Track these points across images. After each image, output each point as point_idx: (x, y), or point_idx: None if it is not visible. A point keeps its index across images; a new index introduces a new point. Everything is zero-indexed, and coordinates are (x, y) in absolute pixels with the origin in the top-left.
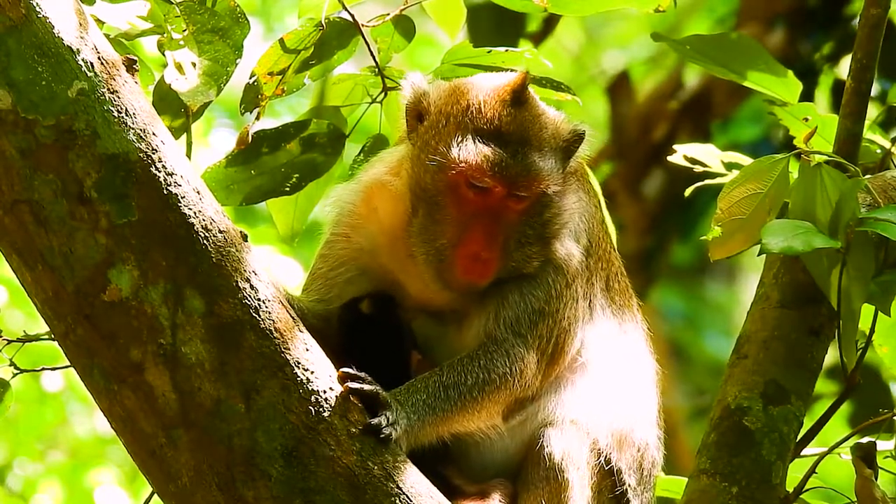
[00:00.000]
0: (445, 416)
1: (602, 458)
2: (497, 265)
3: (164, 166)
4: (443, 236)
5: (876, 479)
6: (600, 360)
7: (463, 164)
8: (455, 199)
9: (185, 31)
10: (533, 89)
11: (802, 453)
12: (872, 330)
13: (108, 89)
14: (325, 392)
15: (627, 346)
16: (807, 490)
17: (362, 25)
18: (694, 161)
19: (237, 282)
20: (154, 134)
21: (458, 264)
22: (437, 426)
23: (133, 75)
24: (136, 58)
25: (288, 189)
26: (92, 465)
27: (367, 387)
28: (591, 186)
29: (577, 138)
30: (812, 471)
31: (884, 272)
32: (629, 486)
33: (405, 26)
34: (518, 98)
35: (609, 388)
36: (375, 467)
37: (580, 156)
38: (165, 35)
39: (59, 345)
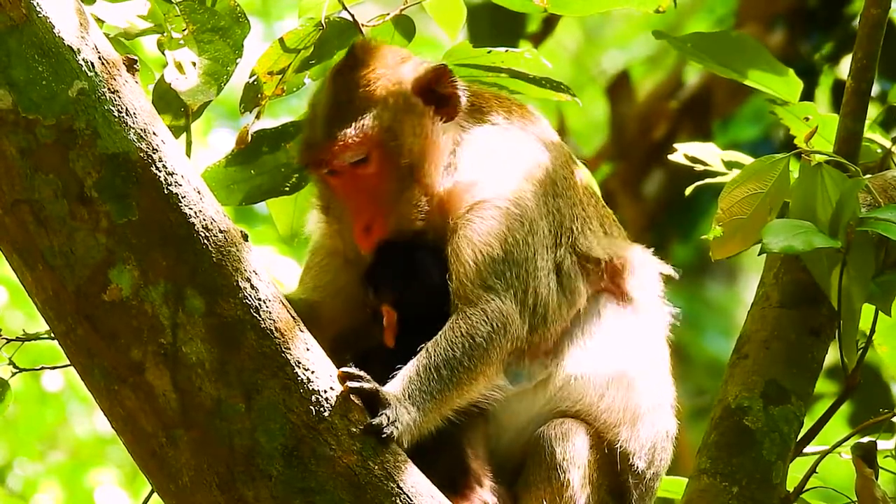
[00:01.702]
0: (444, 397)
1: (604, 451)
2: (385, 227)
3: (164, 166)
4: (342, 223)
5: (876, 478)
6: (600, 335)
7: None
8: (325, 187)
9: (185, 30)
10: (380, 49)
11: (803, 453)
12: (873, 330)
13: (109, 89)
14: (325, 392)
15: (628, 314)
16: (807, 490)
17: (362, 25)
18: (694, 160)
19: (238, 281)
20: (154, 134)
21: (359, 242)
22: (439, 409)
23: (133, 75)
24: (136, 57)
25: (288, 189)
26: (92, 465)
27: (366, 385)
28: (540, 131)
29: (434, 75)
30: (812, 471)
31: (884, 272)
32: (635, 470)
33: (405, 26)
34: (343, 69)
35: (613, 366)
36: (376, 467)
37: (459, 89)
38: (165, 34)
39: (60, 344)
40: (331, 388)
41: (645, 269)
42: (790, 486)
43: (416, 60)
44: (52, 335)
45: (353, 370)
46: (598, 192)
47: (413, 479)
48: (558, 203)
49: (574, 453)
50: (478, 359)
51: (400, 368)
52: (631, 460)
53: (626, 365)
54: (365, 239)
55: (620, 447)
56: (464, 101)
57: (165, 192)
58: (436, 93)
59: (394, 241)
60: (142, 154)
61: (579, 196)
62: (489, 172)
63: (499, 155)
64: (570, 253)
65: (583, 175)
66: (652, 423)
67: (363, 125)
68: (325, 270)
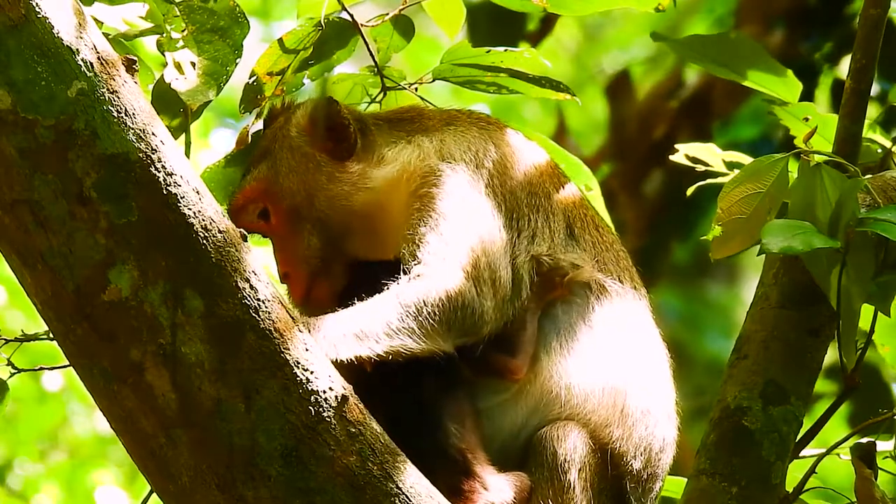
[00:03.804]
0: (366, 324)
1: (600, 452)
2: (298, 273)
3: (163, 166)
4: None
5: (875, 479)
6: (580, 337)
7: None
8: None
9: (184, 30)
10: (281, 106)
11: (802, 453)
12: (872, 330)
13: (108, 89)
14: (324, 392)
15: (620, 307)
16: (806, 490)
17: (361, 25)
18: (695, 160)
19: (237, 282)
20: (154, 134)
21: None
22: (367, 338)
23: (133, 75)
24: (135, 58)
25: None
26: (92, 465)
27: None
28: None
29: (315, 112)
30: (812, 471)
31: (883, 272)
32: (631, 470)
33: (404, 26)
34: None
35: (596, 368)
36: (375, 467)
37: (340, 117)
38: (165, 35)
39: (59, 345)
40: (330, 388)
41: (616, 278)
42: (789, 486)
43: (304, 105)
44: (52, 335)
45: None
46: (596, 191)
47: (412, 480)
48: (504, 180)
49: (575, 455)
50: (408, 306)
51: (393, 388)
52: (626, 459)
53: (611, 367)
54: (289, 286)
55: (614, 447)
56: (353, 126)
57: (164, 192)
58: (330, 129)
59: (370, 261)
60: (141, 154)
61: (543, 187)
62: (417, 175)
63: (415, 154)
64: (528, 244)
65: (565, 179)
66: (645, 425)
67: (249, 180)
68: None
